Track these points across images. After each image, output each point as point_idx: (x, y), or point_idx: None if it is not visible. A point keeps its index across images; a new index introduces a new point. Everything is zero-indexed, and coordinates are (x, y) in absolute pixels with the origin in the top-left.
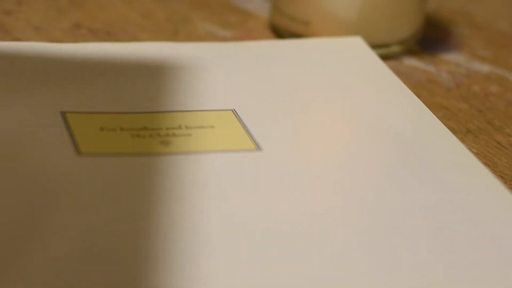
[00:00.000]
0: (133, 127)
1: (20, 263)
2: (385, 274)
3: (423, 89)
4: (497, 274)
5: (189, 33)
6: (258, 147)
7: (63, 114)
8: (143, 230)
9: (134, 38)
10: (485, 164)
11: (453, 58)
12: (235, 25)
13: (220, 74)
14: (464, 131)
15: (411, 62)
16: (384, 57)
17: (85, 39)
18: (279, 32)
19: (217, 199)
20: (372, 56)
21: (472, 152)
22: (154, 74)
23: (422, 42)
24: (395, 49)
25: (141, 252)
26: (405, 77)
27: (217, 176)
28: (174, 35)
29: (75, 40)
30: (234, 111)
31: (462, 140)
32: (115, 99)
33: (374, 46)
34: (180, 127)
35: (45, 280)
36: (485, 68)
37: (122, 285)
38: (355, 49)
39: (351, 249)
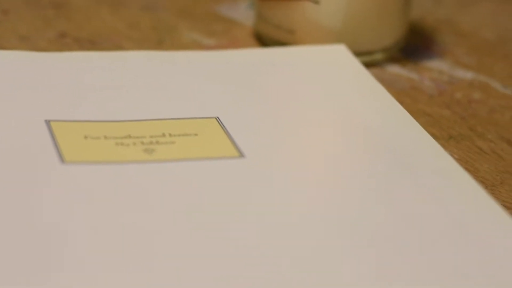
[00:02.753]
0: (117, 135)
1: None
2: (366, 279)
3: (406, 96)
4: (478, 279)
5: (174, 42)
6: (241, 154)
7: (48, 122)
8: (126, 238)
9: (119, 47)
10: (467, 169)
11: (437, 66)
12: (220, 34)
13: (204, 82)
14: (446, 137)
15: (395, 69)
16: (368, 65)
17: (70, 49)
18: (263, 41)
19: (200, 206)
20: (355, 64)
21: (454, 157)
22: (138, 83)
23: (405, 49)
24: (378, 56)
25: (139, 257)
26: (389, 84)
27: (199, 183)
28: (159, 44)
29: (60, 49)
30: (217, 119)
31: (444, 146)
32: (99, 108)
33: (358, 53)
34: (163, 135)
35: None
36: (468, 75)
37: None
38: (339, 57)
39: (334, 255)
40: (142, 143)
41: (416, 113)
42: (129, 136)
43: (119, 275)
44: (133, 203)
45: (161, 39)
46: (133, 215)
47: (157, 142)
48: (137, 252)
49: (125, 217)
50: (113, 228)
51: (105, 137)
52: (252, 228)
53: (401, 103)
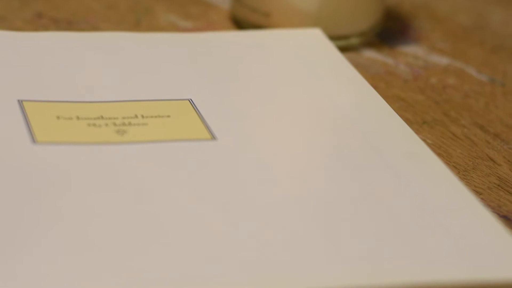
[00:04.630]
0: (90, 116)
1: None
2: (335, 261)
3: (381, 80)
4: (447, 263)
5: (151, 23)
6: (213, 137)
7: (20, 102)
8: (97, 219)
9: (95, 28)
10: (440, 154)
11: (412, 51)
12: (197, 16)
13: (179, 64)
14: (420, 122)
15: (370, 54)
16: (344, 49)
17: (46, 29)
18: (240, 24)
19: (171, 188)
20: (330, 48)
21: (427, 143)
22: (113, 64)
23: (381, 34)
24: (354, 41)
25: (99, 240)
26: (364, 68)
27: (170, 165)
28: (136, 26)
29: (36, 29)
30: (190, 101)
31: (417, 131)
32: (73, 88)
33: (334, 37)
34: (136, 116)
35: None
36: (443, 60)
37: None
38: (314, 41)
39: (304, 237)
40: (114, 124)
41: (390, 98)
42: (102, 117)
43: (89, 256)
44: (103, 184)
45: (138, 21)
46: (103, 195)
47: (129, 124)
48: (107, 232)
49: (95, 197)
50: (83, 209)
51: (78, 118)
52: (223, 210)
53: (376, 87)
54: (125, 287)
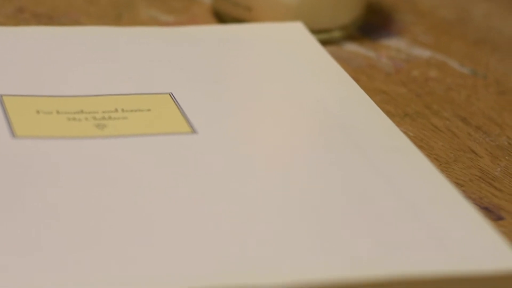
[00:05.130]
0: (70, 111)
1: None
2: (317, 254)
3: (362, 74)
4: (428, 255)
5: (132, 18)
6: (193, 130)
7: (0, 97)
8: (78, 212)
9: (77, 23)
10: (421, 147)
11: (394, 44)
12: (178, 11)
13: (160, 59)
14: (401, 114)
15: (352, 47)
16: (325, 43)
17: (27, 24)
18: (222, 18)
19: (150, 182)
20: (311, 41)
21: (409, 135)
22: (93, 58)
23: (364, 28)
24: (336, 34)
25: (78, 235)
26: (346, 62)
27: (150, 158)
28: (117, 20)
29: (18, 24)
30: (171, 95)
31: (399, 123)
32: (54, 83)
33: (316, 31)
34: (116, 110)
35: None
36: (425, 53)
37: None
38: (295, 34)
39: (284, 231)
40: (94, 118)
41: (372, 91)
42: (82, 111)
43: (70, 250)
44: (84, 178)
45: (119, 15)
46: (84, 189)
47: (109, 118)
48: (88, 226)
49: (76, 191)
50: (64, 202)
51: (58, 112)
52: (204, 204)
53: (358, 81)
54: (102, 282)
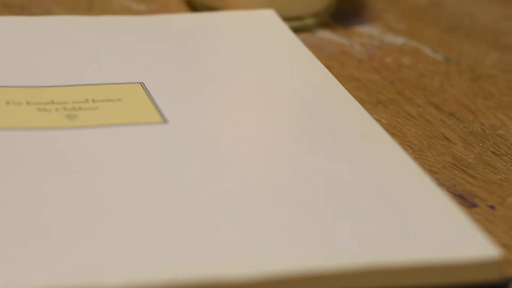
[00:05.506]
0: (40, 101)
1: None
2: (290, 244)
3: (335, 61)
4: (401, 244)
5: (104, 7)
6: (164, 120)
7: None
8: (48, 204)
9: (48, 12)
10: (394, 134)
11: (367, 31)
12: (150, 0)
13: (132, 48)
14: (374, 102)
15: (325, 34)
16: (298, 30)
17: None
18: (194, 6)
19: (121, 172)
20: (283, 29)
21: (382, 122)
22: (64, 48)
23: (336, 15)
24: (309, 22)
25: (48, 225)
26: (318, 49)
27: (121, 148)
28: (89, 10)
29: None
30: (142, 84)
31: (372, 111)
32: (23, 73)
33: (288, 19)
34: (87, 100)
35: None
36: (398, 40)
37: None
38: (267, 22)
39: (257, 221)
40: (65, 109)
41: (345, 78)
42: (52, 102)
43: (42, 242)
44: (54, 170)
45: (91, 5)
46: (54, 180)
47: (80, 108)
48: (58, 217)
49: (46, 182)
50: (34, 194)
51: (28, 103)
52: (175, 194)
53: (330, 68)
54: (74, 274)
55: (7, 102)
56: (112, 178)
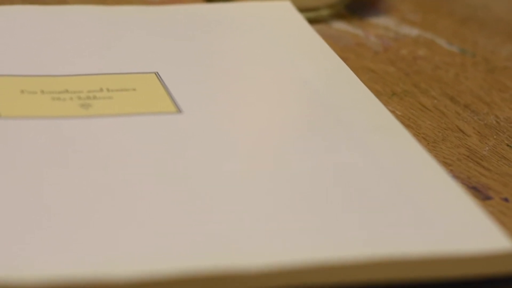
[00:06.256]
0: (54, 90)
1: None
2: (302, 235)
3: (351, 52)
4: (415, 235)
5: None
6: (179, 110)
7: None
8: (63, 193)
9: (63, 2)
10: (409, 126)
11: (382, 22)
12: None
13: (146, 38)
14: (389, 93)
15: (340, 26)
16: (313, 21)
17: (12, 3)
18: None
19: (135, 161)
20: (299, 20)
21: (396, 114)
22: (79, 37)
23: (351, 6)
24: (324, 12)
25: (62, 214)
26: (333, 40)
27: (135, 138)
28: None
29: (2, 3)
30: (157, 74)
31: (387, 102)
32: (38, 62)
33: (303, 9)
34: (101, 90)
35: None
36: (413, 32)
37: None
38: (283, 13)
39: (271, 211)
40: (79, 98)
41: (360, 70)
42: (67, 91)
43: (54, 231)
44: (68, 158)
45: None
46: (68, 169)
47: (94, 97)
48: (75, 206)
49: (60, 171)
50: (49, 182)
51: (42, 92)
52: (188, 184)
53: (346, 59)
54: (81, 262)
55: (22, 91)
56: (126, 168)
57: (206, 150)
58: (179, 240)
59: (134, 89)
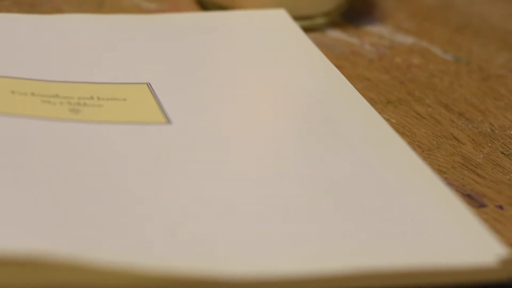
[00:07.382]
0: (45, 94)
1: None
2: (300, 245)
3: (345, 60)
4: (409, 244)
5: (114, 5)
6: (168, 121)
7: None
8: (48, 192)
9: (58, 10)
10: (404, 134)
11: (377, 30)
12: None
13: (141, 47)
14: (384, 101)
15: (335, 34)
16: (308, 29)
17: (8, 11)
18: (204, 5)
19: (120, 167)
20: (294, 28)
21: (391, 122)
22: (73, 45)
23: (347, 14)
24: (319, 21)
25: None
26: (328, 49)
27: (122, 146)
28: (99, 8)
29: None
30: (149, 85)
31: (382, 110)
32: (30, 67)
33: (298, 18)
34: (92, 97)
35: None
36: (408, 40)
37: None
38: (278, 21)
39: (263, 220)
40: (69, 103)
41: (355, 78)
42: (57, 96)
43: (41, 232)
44: (55, 159)
45: (101, 3)
46: (54, 169)
47: (85, 104)
48: (63, 209)
49: (46, 171)
50: (34, 181)
51: (32, 94)
52: (174, 194)
53: (341, 67)
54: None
55: (12, 92)
56: (110, 173)
57: (192, 161)
58: (166, 249)
59: (124, 99)
